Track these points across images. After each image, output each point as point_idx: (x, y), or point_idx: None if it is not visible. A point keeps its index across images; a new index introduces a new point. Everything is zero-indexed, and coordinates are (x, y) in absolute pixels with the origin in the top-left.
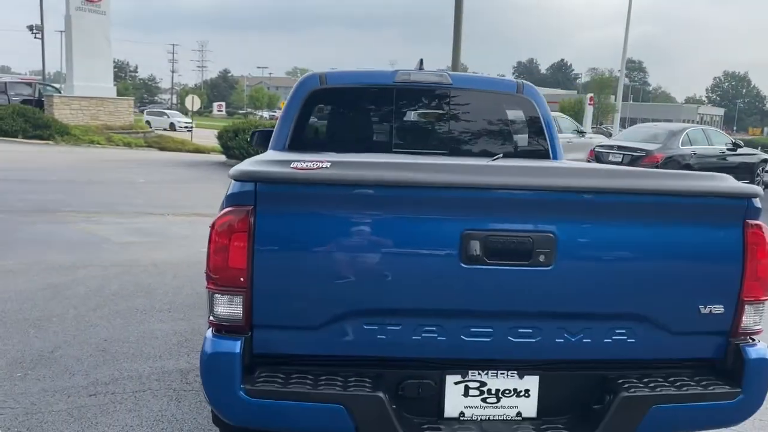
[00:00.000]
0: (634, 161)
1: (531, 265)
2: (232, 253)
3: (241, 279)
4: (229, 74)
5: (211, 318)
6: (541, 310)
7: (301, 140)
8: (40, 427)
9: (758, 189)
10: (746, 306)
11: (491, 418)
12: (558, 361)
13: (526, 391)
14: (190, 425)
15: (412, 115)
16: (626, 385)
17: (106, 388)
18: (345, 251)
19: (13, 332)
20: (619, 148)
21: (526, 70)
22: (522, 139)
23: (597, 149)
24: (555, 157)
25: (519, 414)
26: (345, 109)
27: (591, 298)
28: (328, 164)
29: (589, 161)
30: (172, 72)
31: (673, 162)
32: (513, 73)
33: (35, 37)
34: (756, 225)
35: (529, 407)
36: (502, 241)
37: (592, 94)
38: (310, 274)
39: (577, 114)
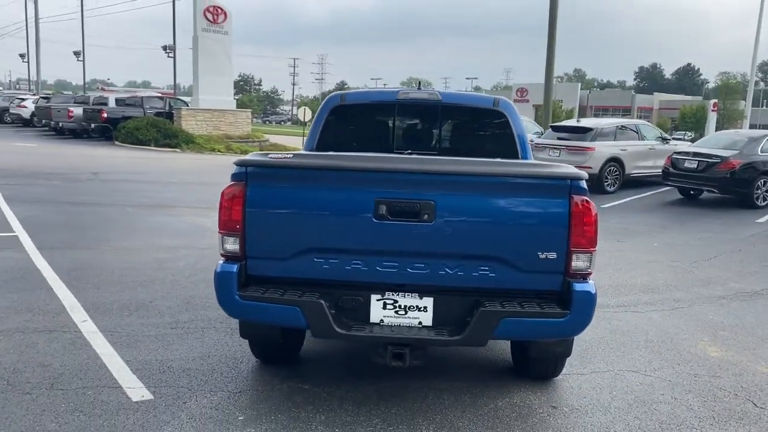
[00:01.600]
0: (709, 167)
1: (419, 222)
2: (233, 211)
3: (238, 227)
4: (345, 86)
5: (221, 252)
6: (428, 251)
7: (325, 143)
8: (136, 343)
9: (582, 173)
10: (573, 254)
11: (401, 324)
12: (445, 287)
13: (425, 307)
14: (235, 348)
15: (409, 125)
16: (487, 304)
17: (184, 325)
18: (301, 210)
19: (127, 289)
20: (695, 154)
21: (648, 75)
22: (496, 143)
23: (674, 156)
24: (524, 158)
25: (420, 323)
26: (358, 120)
27: (461, 244)
28: (291, 155)
29: (666, 169)
30: (293, 85)
31: (750, 168)
32: (634, 79)
33: (168, 56)
34: (579, 198)
35: (426, 318)
36: (401, 206)
37: (715, 100)
38: (280, 224)
39: (699, 121)
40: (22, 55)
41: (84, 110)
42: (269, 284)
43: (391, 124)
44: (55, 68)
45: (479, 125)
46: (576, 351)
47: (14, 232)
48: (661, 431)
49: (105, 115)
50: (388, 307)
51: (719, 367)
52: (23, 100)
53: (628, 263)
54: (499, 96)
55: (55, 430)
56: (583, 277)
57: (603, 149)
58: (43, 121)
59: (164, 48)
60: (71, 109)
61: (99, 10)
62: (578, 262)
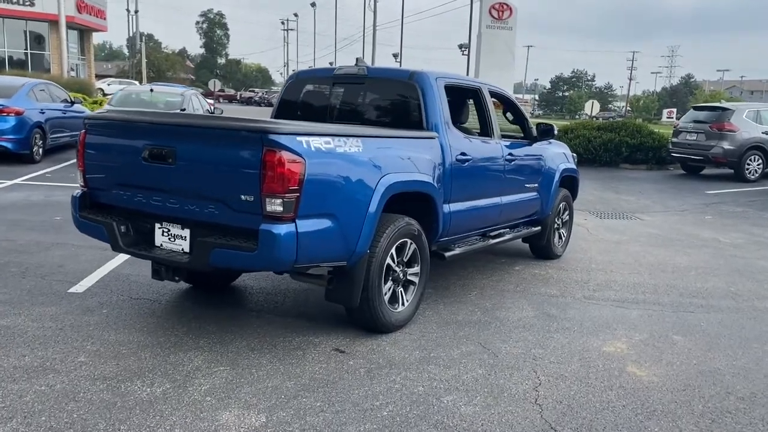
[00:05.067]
0: None
1: (167, 165)
2: (78, 152)
3: (80, 164)
4: (691, 79)
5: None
6: (176, 189)
7: (280, 113)
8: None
9: (278, 126)
10: (266, 198)
11: (172, 249)
12: (193, 221)
13: (185, 236)
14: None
15: (341, 96)
16: (204, 236)
17: None
18: (107, 152)
19: None
20: None
21: None
22: (407, 114)
23: None
24: (428, 128)
25: (182, 249)
26: (306, 93)
27: (193, 185)
28: (105, 110)
29: None
30: (629, 79)
31: None
32: None
33: (462, 54)
34: (271, 149)
35: (186, 246)
36: (156, 151)
37: None
38: (100, 163)
39: None
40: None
41: None
42: (104, 209)
43: (328, 95)
44: None
45: (395, 96)
46: None
47: None
48: None
49: None
50: (165, 234)
51: None
52: None
53: None
54: (419, 69)
55: None
56: (280, 219)
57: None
58: None
59: (460, 47)
60: None
61: (412, 16)
62: (272, 206)
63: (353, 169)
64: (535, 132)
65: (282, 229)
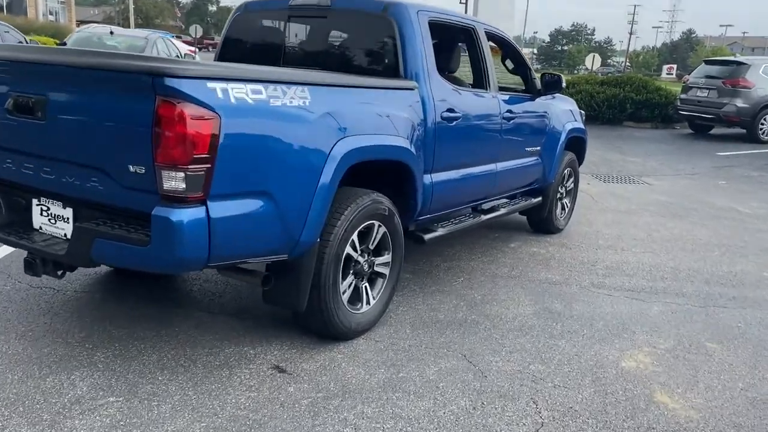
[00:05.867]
0: None
1: (36, 120)
2: None
3: None
4: (693, 34)
5: None
6: (49, 154)
7: (228, 56)
8: None
9: (170, 67)
10: (162, 171)
11: (54, 234)
12: (74, 198)
13: (68, 218)
14: None
15: (299, 31)
16: (84, 221)
17: None
18: None
19: None
20: None
21: None
22: (379, 55)
23: None
24: (406, 74)
25: (65, 235)
26: (256, 30)
27: (69, 148)
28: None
29: None
30: (630, 34)
31: None
32: None
33: (460, 2)
34: (165, 101)
35: (69, 230)
36: (22, 101)
37: None
38: None
39: None
40: None
41: None
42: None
43: (282, 33)
44: None
45: (365, 34)
46: None
47: None
48: None
49: None
50: (44, 213)
51: None
52: None
53: None
54: (396, 0)
55: None
56: (183, 200)
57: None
58: None
59: None
60: None
61: None
62: (171, 182)
63: (296, 130)
64: (539, 84)
65: (185, 215)
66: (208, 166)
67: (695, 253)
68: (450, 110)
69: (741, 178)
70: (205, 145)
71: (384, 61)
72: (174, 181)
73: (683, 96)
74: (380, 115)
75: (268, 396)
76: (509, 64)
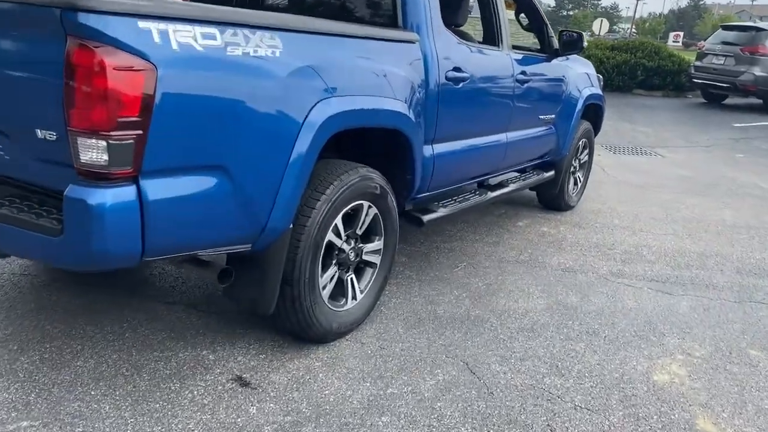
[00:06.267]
0: None
1: None
2: None
3: None
4: (701, 2)
5: None
6: None
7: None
8: None
9: (84, 3)
10: (76, 137)
11: None
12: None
13: None
14: None
15: None
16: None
17: None
18: None
19: None
20: None
21: None
22: (374, 2)
23: None
24: (405, 24)
25: None
26: None
27: None
28: None
29: None
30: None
31: None
32: None
33: None
34: (81, 44)
35: None
36: None
37: None
38: None
39: None
40: None
41: None
42: None
43: None
44: None
45: None
46: None
47: None
48: None
49: None
50: None
51: None
52: None
53: None
54: None
55: None
56: (106, 177)
57: None
58: None
59: None
60: None
61: None
62: (89, 153)
63: (262, 87)
64: (556, 44)
65: (107, 196)
66: (139, 132)
67: (721, 236)
68: (456, 69)
69: (760, 150)
70: (136, 104)
71: (381, 10)
72: (93, 152)
73: (698, 63)
74: (372, 73)
75: (224, 420)
76: (523, 20)
